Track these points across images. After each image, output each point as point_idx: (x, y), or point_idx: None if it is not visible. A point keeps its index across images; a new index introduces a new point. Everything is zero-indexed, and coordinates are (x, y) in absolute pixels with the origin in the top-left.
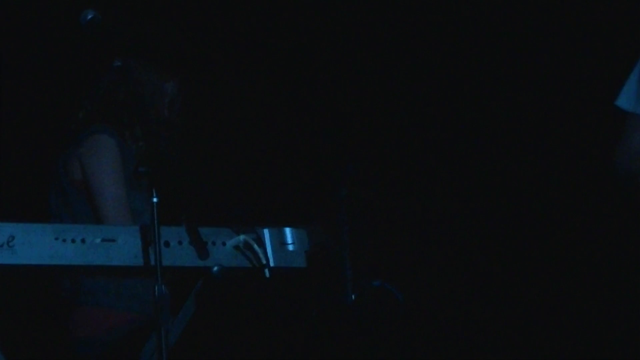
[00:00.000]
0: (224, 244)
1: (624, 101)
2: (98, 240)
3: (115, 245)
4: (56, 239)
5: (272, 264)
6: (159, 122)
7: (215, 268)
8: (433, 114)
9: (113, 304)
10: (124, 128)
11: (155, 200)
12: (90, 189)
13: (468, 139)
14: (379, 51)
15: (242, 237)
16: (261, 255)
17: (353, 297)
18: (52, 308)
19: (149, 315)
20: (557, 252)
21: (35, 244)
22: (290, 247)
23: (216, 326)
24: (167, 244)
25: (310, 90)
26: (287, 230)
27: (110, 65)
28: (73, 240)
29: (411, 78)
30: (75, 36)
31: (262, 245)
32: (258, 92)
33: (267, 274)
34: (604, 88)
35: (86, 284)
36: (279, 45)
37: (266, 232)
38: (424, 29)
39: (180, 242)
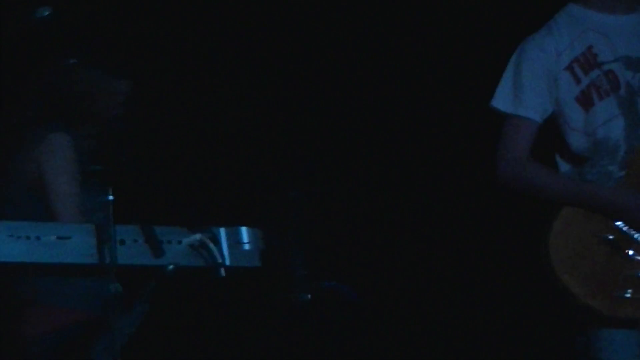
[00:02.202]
0: (179, 242)
1: (501, 102)
2: (53, 238)
3: (70, 243)
4: (10, 236)
5: (227, 263)
6: (112, 120)
7: (170, 267)
8: (388, 111)
9: (66, 303)
10: (76, 126)
11: (110, 198)
12: (45, 187)
13: (424, 135)
14: (336, 51)
15: (197, 235)
16: (217, 254)
17: (308, 296)
18: (3, 306)
19: (102, 315)
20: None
21: None
22: (246, 247)
23: (169, 325)
24: (122, 242)
25: (266, 91)
26: (243, 230)
27: (61, 62)
28: (28, 237)
29: (368, 77)
30: (23, 32)
31: (217, 244)
32: (215, 92)
33: (223, 273)
34: None
35: (39, 283)
36: (240, 44)
37: (222, 231)
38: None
39: (135, 241)
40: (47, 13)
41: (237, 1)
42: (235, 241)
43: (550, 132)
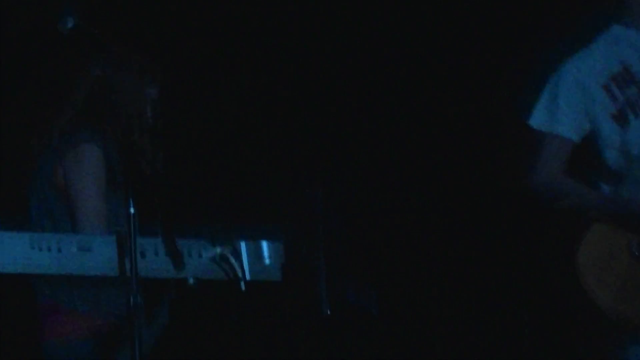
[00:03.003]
0: (200, 255)
1: (538, 120)
2: (74, 249)
3: (91, 255)
4: (32, 247)
5: (248, 277)
6: (141, 129)
7: (191, 280)
8: (411, 120)
9: (90, 310)
10: (106, 136)
11: (132, 210)
12: (70, 198)
13: (450, 147)
14: (351, 55)
15: (218, 249)
16: (237, 268)
17: (328, 311)
18: (29, 311)
19: (124, 325)
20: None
21: (10, 252)
22: (267, 261)
23: (190, 338)
24: (143, 255)
25: (286, 100)
26: (264, 244)
27: (89, 72)
28: (49, 249)
29: (384, 80)
30: (56, 42)
31: (238, 258)
32: (238, 101)
33: (243, 287)
34: None
35: (64, 289)
36: (258, 56)
37: (243, 245)
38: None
39: (156, 253)
40: (70, 23)
41: (266, 7)
42: (256, 255)
43: (586, 152)
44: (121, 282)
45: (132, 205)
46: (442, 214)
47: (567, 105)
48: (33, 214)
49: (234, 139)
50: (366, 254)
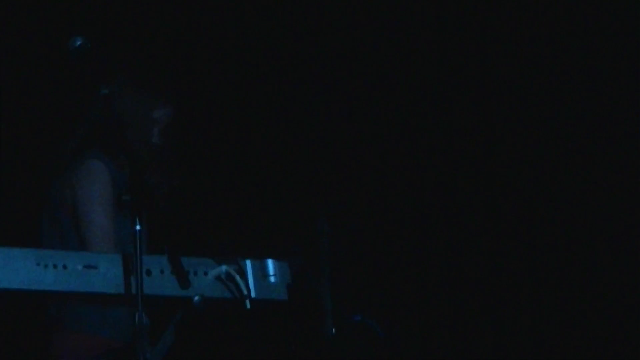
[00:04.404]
0: (205, 274)
1: None
2: (80, 267)
3: (97, 273)
4: (38, 264)
5: (253, 295)
6: (147, 150)
7: (196, 298)
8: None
9: (97, 331)
10: (113, 155)
11: (137, 228)
12: (78, 215)
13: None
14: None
15: (224, 267)
16: (242, 287)
17: (333, 331)
18: (35, 332)
19: (131, 344)
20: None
21: (16, 269)
22: (272, 279)
23: (195, 356)
24: (148, 273)
25: (295, 122)
26: (269, 262)
27: (97, 91)
28: (55, 266)
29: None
30: (66, 63)
31: (243, 276)
32: (242, 122)
33: (248, 306)
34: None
35: (71, 310)
36: (262, 78)
37: (248, 263)
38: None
39: (162, 271)
40: (78, 43)
41: (288, 38)
42: (261, 273)
43: None
44: (127, 302)
45: (137, 222)
46: (447, 234)
47: None
48: (44, 233)
49: (242, 158)
50: (372, 275)
